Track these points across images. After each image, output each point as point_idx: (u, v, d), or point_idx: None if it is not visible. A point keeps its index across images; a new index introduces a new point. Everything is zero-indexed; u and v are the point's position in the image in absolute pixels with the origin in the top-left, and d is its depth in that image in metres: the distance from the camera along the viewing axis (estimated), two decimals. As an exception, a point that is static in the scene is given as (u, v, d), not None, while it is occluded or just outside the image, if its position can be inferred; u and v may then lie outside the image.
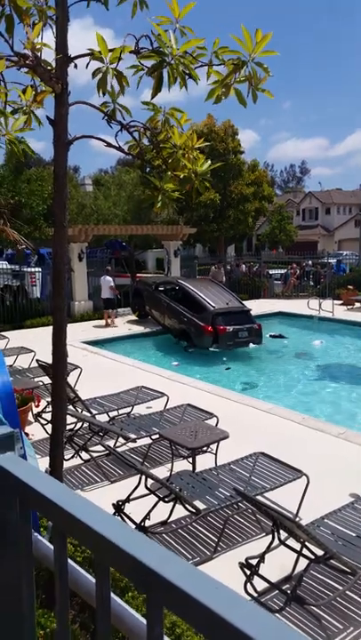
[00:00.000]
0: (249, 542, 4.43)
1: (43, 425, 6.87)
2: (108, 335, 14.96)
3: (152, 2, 3.18)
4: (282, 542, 3.85)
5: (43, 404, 7.73)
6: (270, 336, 14.97)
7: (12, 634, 1.15)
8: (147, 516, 4.46)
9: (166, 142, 3.48)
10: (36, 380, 8.56)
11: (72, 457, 5.94)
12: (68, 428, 5.44)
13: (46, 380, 8.11)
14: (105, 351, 12.52)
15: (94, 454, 6.05)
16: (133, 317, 17.52)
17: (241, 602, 0.63)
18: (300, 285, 23.36)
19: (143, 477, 4.67)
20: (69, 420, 5.47)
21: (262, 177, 25.19)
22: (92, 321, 17.22)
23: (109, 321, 16.50)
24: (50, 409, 6.09)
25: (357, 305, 19.18)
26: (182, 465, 5.72)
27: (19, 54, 2.99)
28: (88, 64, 3.11)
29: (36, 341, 11.12)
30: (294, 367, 12.15)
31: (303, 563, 3.71)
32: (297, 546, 3.70)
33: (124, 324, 16.70)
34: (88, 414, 6.68)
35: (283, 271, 24.47)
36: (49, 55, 3.13)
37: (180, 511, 4.53)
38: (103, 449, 6.00)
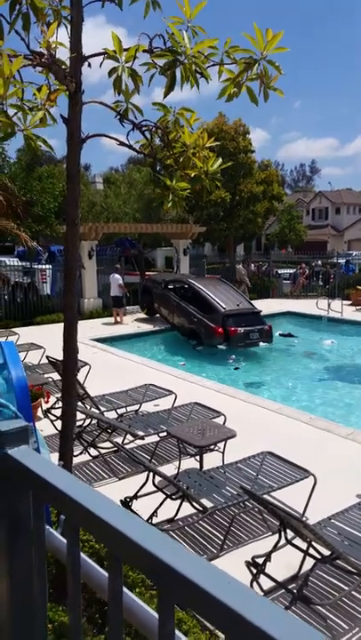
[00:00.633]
0: (255, 541, 4.44)
1: (52, 421, 6.92)
2: (117, 333, 15.01)
3: (163, 1, 3.19)
4: (288, 541, 3.85)
5: (52, 400, 7.78)
6: (280, 335, 14.95)
7: (24, 626, 1.18)
8: (154, 514, 4.49)
9: (177, 142, 3.49)
10: (45, 376, 8.62)
11: (80, 453, 5.98)
12: (77, 424, 5.47)
13: (56, 376, 8.15)
14: (114, 349, 12.56)
15: (102, 451, 6.09)
16: (142, 315, 17.56)
17: (254, 597, 0.64)
18: (309, 285, 23.27)
19: (151, 475, 4.70)
20: (78, 416, 5.51)
21: (272, 176, 25.10)
22: (102, 318, 17.28)
23: (118, 319, 16.55)
24: (59, 405, 6.13)
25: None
26: (190, 463, 5.74)
27: (34, 53, 3.02)
28: (102, 63, 3.13)
29: (46, 338, 11.19)
30: (302, 367, 12.13)
31: (310, 562, 3.71)
32: (303, 545, 3.70)
33: (132, 322, 16.74)
34: (97, 411, 6.72)
35: (292, 271, 24.39)
36: (63, 54, 3.16)
37: (187, 509, 4.54)
38: (111, 446, 6.03)
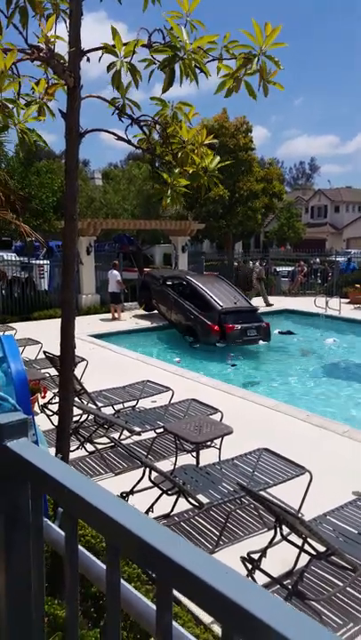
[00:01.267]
0: (251, 537, 4.46)
1: (49, 416, 6.92)
2: (115, 329, 15.01)
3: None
4: (284, 537, 3.87)
5: (49, 395, 7.79)
6: (279, 332, 14.96)
7: (21, 619, 1.18)
8: (150, 509, 4.50)
9: (175, 137, 3.49)
10: (42, 371, 8.62)
11: (77, 448, 5.99)
12: (73, 419, 5.48)
13: (53, 371, 8.16)
14: (111, 345, 12.56)
15: (99, 446, 6.10)
16: (140, 312, 17.55)
17: (252, 587, 0.65)
18: (308, 283, 23.29)
19: (147, 470, 4.71)
20: (75, 411, 5.51)
21: (273, 173, 25.06)
22: (99, 314, 17.27)
23: (116, 315, 16.54)
24: (56, 400, 6.14)
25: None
26: (186, 459, 5.75)
27: (32, 47, 3.00)
28: (101, 57, 3.12)
29: (43, 333, 11.18)
30: (299, 364, 12.15)
31: (305, 558, 3.73)
32: (299, 541, 3.72)
33: (130, 319, 16.74)
34: (94, 407, 6.72)
35: (290, 269, 24.40)
36: (62, 48, 3.15)
37: (183, 504, 4.56)
38: (108, 441, 6.04)
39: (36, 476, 1.00)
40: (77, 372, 7.57)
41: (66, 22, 3.19)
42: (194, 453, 5.62)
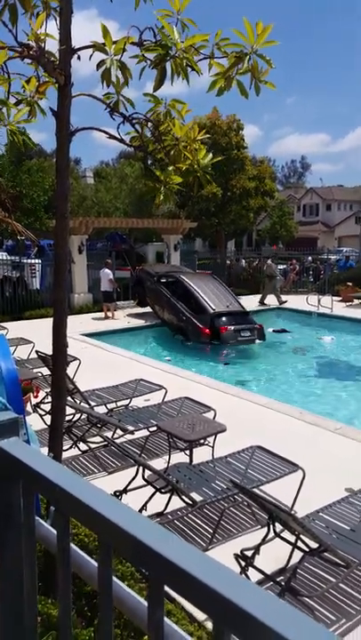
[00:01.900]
0: (244, 534, 4.47)
1: (41, 415, 6.90)
2: (107, 328, 14.98)
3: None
4: (277, 534, 3.89)
5: (41, 394, 7.76)
6: (273, 331, 15.00)
7: (14, 618, 1.18)
8: (143, 507, 4.50)
9: (167, 134, 3.48)
10: (34, 370, 8.59)
11: (70, 448, 5.98)
12: (66, 419, 5.47)
13: (45, 371, 8.13)
14: (104, 344, 12.54)
15: (92, 445, 6.09)
16: (133, 310, 17.53)
17: (244, 582, 0.65)
18: (300, 281, 23.35)
19: (140, 469, 4.71)
20: (68, 411, 5.50)
21: (265, 171, 25.10)
22: (92, 313, 17.22)
23: (109, 314, 16.50)
24: (48, 400, 6.12)
25: (356, 302, 19.20)
26: (179, 457, 5.76)
27: (22, 44, 2.98)
28: (91, 56, 3.11)
29: (35, 333, 11.13)
30: (292, 362, 12.19)
31: (298, 555, 3.75)
32: (292, 538, 3.74)
33: (123, 317, 16.71)
34: (86, 406, 6.71)
35: (282, 267, 24.46)
36: (52, 46, 3.13)
37: (176, 502, 4.56)
38: (101, 440, 6.04)
39: (27, 474, 1.00)
40: (70, 371, 7.55)
41: (56, 20, 3.17)
42: (187, 451, 5.63)
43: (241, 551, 3.85)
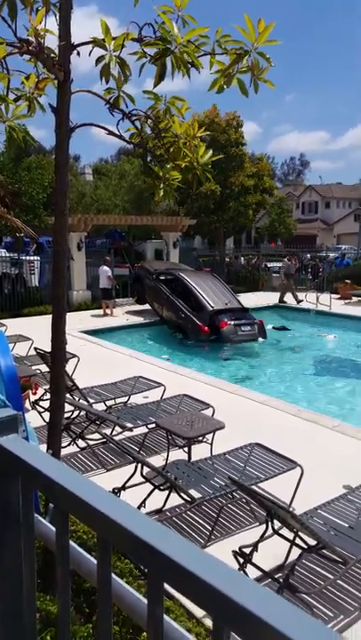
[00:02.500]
0: (243, 531, 4.48)
1: (40, 412, 6.90)
2: (106, 325, 14.97)
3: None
4: (275, 532, 3.89)
5: (40, 391, 7.76)
6: (273, 328, 15.00)
7: (13, 615, 1.18)
8: (142, 504, 4.51)
9: (167, 131, 3.47)
10: (33, 367, 8.58)
11: (69, 444, 5.98)
12: (65, 416, 5.46)
13: (44, 367, 8.12)
14: (102, 341, 12.54)
15: (91, 442, 6.09)
16: (132, 308, 17.52)
17: (242, 579, 0.65)
18: (299, 279, 23.35)
19: (139, 466, 4.71)
20: (66, 408, 5.50)
21: (264, 169, 25.07)
22: (90, 310, 17.21)
23: (108, 311, 16.50)
24: (47, 397, 6.11)
25: (355, 299, 19.22)
26: (178, 454, 5.76)
27: (22, 40, 2.97)
28: (91, 52, 3.09)
29: (34, 329, 11.13)
30: (290, 359, 12.20)
31: (296, 552, 3.76)
32: (290, 535, 3.75)
33: (122, 315, 16.71)
34: (85, 403, 6.71)
35: (281, 264, 24.45)
36: (52, 42, 3.12)
37: (175, 499, 4.57)
38: (100, 437, 6.04)
39: (26, 471, 1.00)
40: (69, 368, 7.54)
41: (56, 16, 3.15)
42: (186, 449, 5.64)
43: (239, 548, 3.86)
